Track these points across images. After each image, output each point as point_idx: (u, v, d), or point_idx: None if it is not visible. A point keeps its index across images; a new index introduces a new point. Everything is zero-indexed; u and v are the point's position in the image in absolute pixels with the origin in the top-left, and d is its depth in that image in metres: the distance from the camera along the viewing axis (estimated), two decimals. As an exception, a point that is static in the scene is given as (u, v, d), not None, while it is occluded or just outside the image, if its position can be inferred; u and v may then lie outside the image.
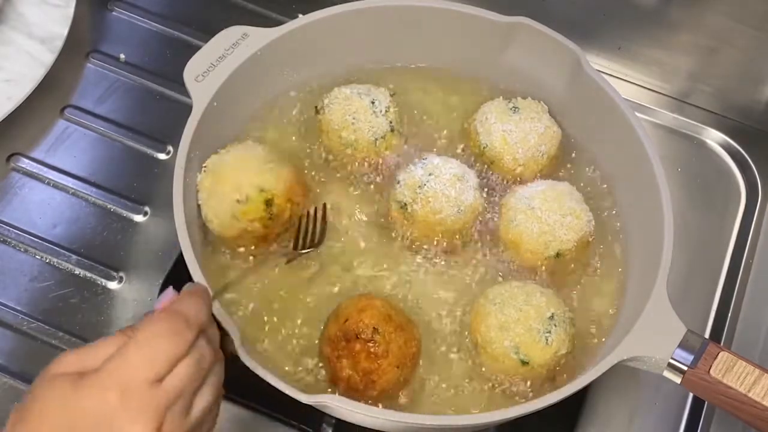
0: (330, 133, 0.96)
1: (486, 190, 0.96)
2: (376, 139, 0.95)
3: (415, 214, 0.91)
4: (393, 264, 0.93)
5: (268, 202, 0.89)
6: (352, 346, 0.83)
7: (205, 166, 0.91)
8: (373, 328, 0.83)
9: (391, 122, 0.96)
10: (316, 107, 0.98)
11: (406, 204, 0.92)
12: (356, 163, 0.96)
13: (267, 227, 0.90)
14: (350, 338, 0.83)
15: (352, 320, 0.84)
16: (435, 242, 0.93)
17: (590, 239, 0.93)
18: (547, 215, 0.91)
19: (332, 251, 0.93)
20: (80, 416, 0.63)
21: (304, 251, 0.91)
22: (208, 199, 0.90)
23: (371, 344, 0.83)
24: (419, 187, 0.91)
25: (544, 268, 0.92)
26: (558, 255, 0.91)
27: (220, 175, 0.90)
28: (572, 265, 0.93)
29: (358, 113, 0.94)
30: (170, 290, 0.72)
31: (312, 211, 0.92)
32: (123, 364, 0.64)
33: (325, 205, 0.93)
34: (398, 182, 0.93)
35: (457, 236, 0.93)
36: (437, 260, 0.93)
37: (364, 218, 0.95)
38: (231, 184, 0.89)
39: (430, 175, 0.91)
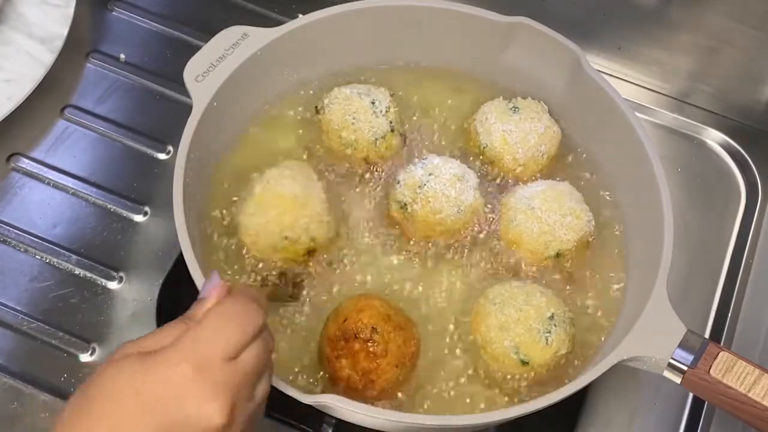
0: (330, 133, 0.96)
1: (486, 190, 0.96)
2: (376, 139, 0.95)
3: (415, 214, 0.91)
4: (392, 264, 0.93)
5: (310, 252, 0.88)
6: (351, 345, 0.83)
7: (259, 174, 0.88)
8: (372, 327, 0.83)
9: (391, 122, 0.96)
10: (316, 107, 0.98)
11: (406, 204, 0.92)
12: (356, 163, 0.96)
13: (287, 266, 0.89)
14: (349, 338, 0.83)
15: (351, 320, 0.83)
16: (435, 242, 0.93)
17: (590, 239, 0.93)
18: (547, 215, 0.91)
19: (332, 252, 0.93)
20: (150, 391, 0.59)
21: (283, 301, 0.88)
22: (255, 214, 0.87)
23: (370, 344, 0.83)
24: (419, 187, 0.91)
25: (544, 268, 0.92)
26: (558, 255, 0.91)
27: (280, 198, 0.86)
28: (572, 265, 0.93)
29: (358, 113, 0.94)
30: (216, 275, 0.68)
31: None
32: (198, 339, 0.61)
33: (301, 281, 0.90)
34: (398, 182, 0.93)
35: (457, 236, 0.93)
36: (437, 260, 0.93)
37: (364, 218, 0.95)
38: (289, 216, 0.86)
39: (430, 175, 0.91)
